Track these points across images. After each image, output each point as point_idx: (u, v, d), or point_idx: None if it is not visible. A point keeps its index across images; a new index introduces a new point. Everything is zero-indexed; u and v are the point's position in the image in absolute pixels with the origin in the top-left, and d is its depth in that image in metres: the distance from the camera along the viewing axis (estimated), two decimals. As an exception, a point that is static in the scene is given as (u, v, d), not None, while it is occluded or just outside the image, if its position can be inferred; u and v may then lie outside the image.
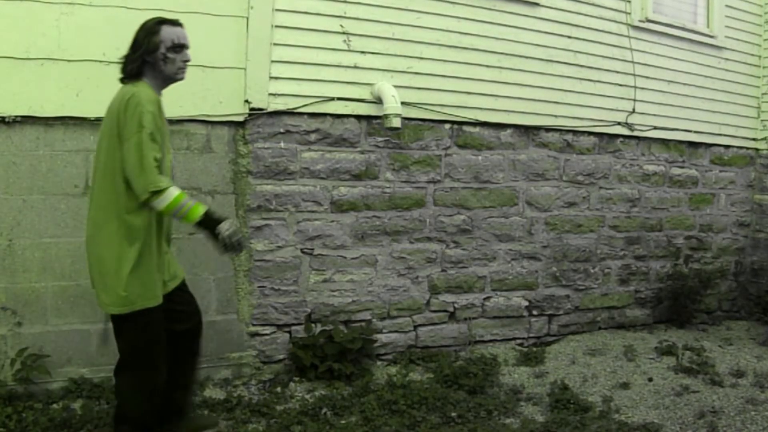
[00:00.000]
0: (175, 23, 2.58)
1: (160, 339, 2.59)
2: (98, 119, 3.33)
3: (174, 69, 2.56)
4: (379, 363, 4.05)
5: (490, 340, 4.49)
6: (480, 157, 4.40)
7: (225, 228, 2.48)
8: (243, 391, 3.53)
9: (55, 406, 3.13)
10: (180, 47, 2.55)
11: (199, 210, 2.47)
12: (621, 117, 4.93)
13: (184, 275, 2.81)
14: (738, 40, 5.53)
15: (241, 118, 3.66)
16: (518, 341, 4.59)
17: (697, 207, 5.46)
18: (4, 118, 3.19)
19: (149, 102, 2.43)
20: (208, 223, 2.49)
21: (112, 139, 2.46)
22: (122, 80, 2.57)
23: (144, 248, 2.49)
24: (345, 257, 3.98)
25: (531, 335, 4.65)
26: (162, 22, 2.57)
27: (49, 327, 3.32)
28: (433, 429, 3.12)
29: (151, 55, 2.52)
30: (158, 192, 2.39)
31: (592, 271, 4.90)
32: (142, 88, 2.48)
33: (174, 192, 2.42)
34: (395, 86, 3.93)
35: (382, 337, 4.09)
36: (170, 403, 2.75)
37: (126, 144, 2.40)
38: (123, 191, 2.45)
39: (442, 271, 4.31)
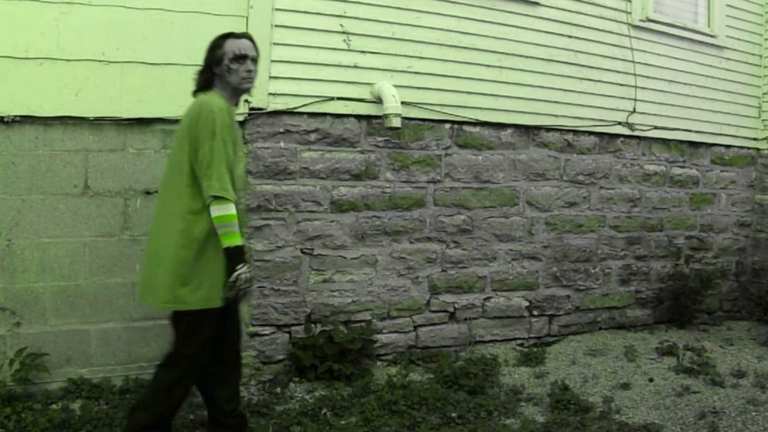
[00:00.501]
0: (240, 36, 2.70)
1: (208, 342, 2.65)
2: (97, 119, 3.36)
3: (238, 79, 2.65)
4: (379, 363, 4.05)
5: (491, 341, 4.48)
6: (480, 157, 4.39)
7: (243, 270, 2.51)
8: (242, 392, 3.51)
9: (54, 406, 3.13)
10: (242, 58, 2.64)
11: (238, 240, 2.52)
12: (622, 117, 4.92)
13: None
14: (739, 39, 5.53)
15: (240, 118, 3.65)
16: (518, 341, 4.58)
17: (698, 207, 5.45)
18: (2, 117, 3.18)
19: (221, 110, 2.54)
20: (235, 257, 2.52)
21: (183, 145, 2.58)
22: (194, 93, 2.71)
23: (205, 250, 2.55)
24: (345, 257, 3.98)
25: (531, 335, 4.64)
26: (227, 36, 2.69)
27: (48, 327, 3.31)
28: (433, 429, 3.11)
29: (218, 67, 2.65)
30: (220, 199, 2.48)
31: (592, 271, 4.89)
32: (214, 98, 2.60)
33: (232, 209, 2.50)
34: (395, 86, 3.92)
35: (382, 338, 4.09)
36: (226, 418, 2.81)
37: (200, 150, 2.51)
38: (188, 194, 2.55)
39: (443, 271, 4.30)
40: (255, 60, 2.70)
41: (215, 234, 2.54)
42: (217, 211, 2.49)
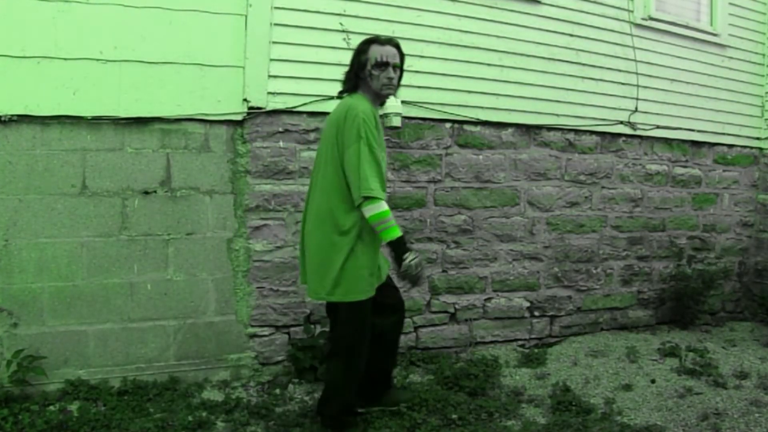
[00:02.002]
0: (383, 42, 2.82)
1: (367, 329, 2.87)
2: (95, 118, 3.34)
3: (379, 85, 2.81)
4: (379, 364, 4.02)
5: (491, 342, 4.45)
6: (481, 157, 4.36)
7: (411, 258, 2.69)
8: (241, 393, 3.50)
9: (51, 408, 3.11)
10: (384, 65, 2.78)
11: (397, 232, 2.69)
12: (623, 116, 4.89)
13: (388, 269, 3.06)
14: (742, 38, 5.49)
15: (239, 117, 3.63)
16: (519, 342, 4.55)
17: (701, 207, 5.42)
18: (0, 117, 3.16)
19: (366, 113, 2.68)
20: (399, 248, 2.70)
21: (332, 147, 2.75)
22: (340, 93, 2.92)
23: (356, 245, 2.73)
24: (345, 257, 3.95)
25: (532, 336, 4.61)
26: (372, 41, 2.84)
27: (45, 328, 3.30)
28: (434, 431, 3.08)
29: (362, 71, 2.81)
30: (371, 199, 2.63)
31: (594, 271, 4.86)
32: (360, 101, 2.76)
33: (384, 206, 2.66)
34: (395, 85, 3.89)
35: (382, 338, 4.06)
36: (374, 383, 3.12)
37: (347, 152, 2.68)
38: (337, 192, 2.73)
39: (443, 271, 4.28)
40: (397, 67, 2.83)
41: (364, 232, 2.74)
42: (369, 211, 2.64)
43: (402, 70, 2.89)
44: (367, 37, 2.88)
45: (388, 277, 3.07)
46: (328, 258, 2.73)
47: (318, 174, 2.85)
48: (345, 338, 2.86)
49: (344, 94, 2.88)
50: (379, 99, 2.89)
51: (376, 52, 2.78)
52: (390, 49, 2.81)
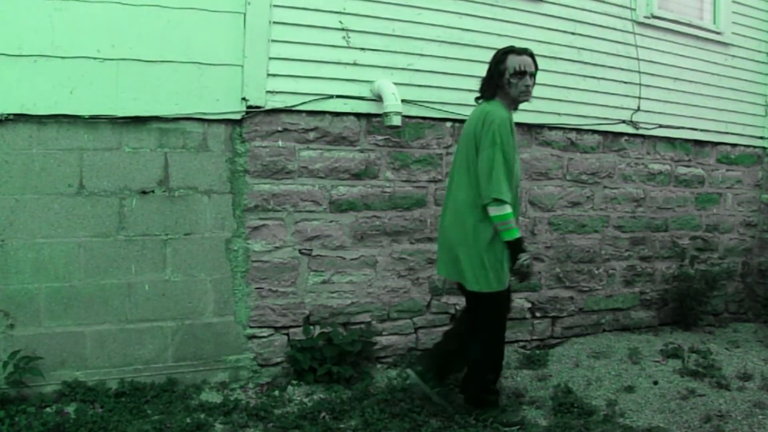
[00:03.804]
0: (520, 52, 3.04)
1: (502, 318, 3.15)
2: (92, 117, 3.32)
3: (517, 92, 3.03)
4: (379, 366, 3.99)
5: (493, 342, 4.42)
6: (482, 156, 4.32)
7: (525, 258, 2.97)
8: (240, 395, 3.47)
9: (48, 409, 3.09)
10: (522, 74, 3.00)
11: (516, 234, 2.96)
12: (626, 115, 4.85)
13: None
14: (745, 36, 5.45)
15: (238, 116, 3.60)
16: (521, 344, 4.52)
17: (704, 207, 5.38)
18: (-4, 116, 3.14)
19: (502, 119, 2.92)
20: (516, 248, 2.96)
21: (468, 147, 3.02)
22: (477, 99, 3.16)
23: (494, 239, 2.96)
24: (344, 258, 3.92)
25: (534, 337, 4.58)
26: (509, 51, 3.05)
27: (42, 329, 3.27)
28: (434, 434, 3.06)
29: (500, 80, 3.03)
30: (498, 201, 2.88)
31: (596, 272, 4.82)
32: (496, 107, 2.99)
33: (508, 209, 2.91)
34: (395, 84, 3.86)
35: (382, 340, 4.03)
36: (436, 367, 3.37)
37: (481, 154, 2.93)
38: (475, 190, 2.98)
39: (444, 271, 4.24)
40: (532, 75, 3.04)
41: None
42: (495, 211, 2.90)
43: (535, 78, 3.08)
44: (504, 47, 3.08)
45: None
46: (468, 250, 2.97)
47: (456, 173, 3.11)
48: (485, 324, 3.08)
49: (480, 101, 3.11)
50: (515, 105, 3.10)
51: (514, 61, 2.99)
52: (526, 59, 3.01)
